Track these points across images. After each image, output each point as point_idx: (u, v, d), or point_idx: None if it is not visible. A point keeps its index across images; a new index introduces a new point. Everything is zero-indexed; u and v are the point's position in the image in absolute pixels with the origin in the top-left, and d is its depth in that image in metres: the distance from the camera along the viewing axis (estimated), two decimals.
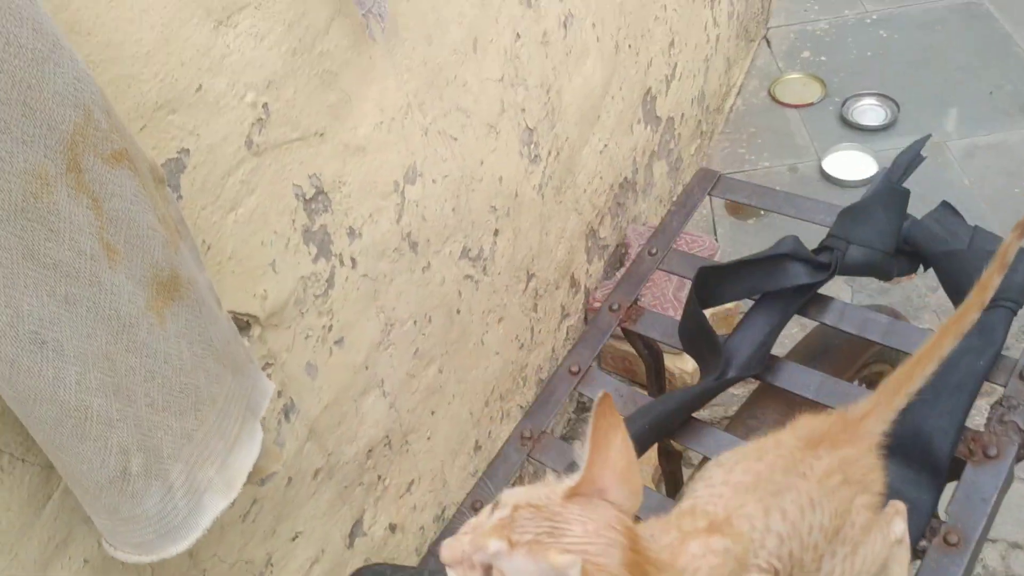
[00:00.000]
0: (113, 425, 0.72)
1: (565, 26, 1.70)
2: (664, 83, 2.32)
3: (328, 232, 1.14)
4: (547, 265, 1.83)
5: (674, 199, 1.30)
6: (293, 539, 1.16)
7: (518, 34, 1.54)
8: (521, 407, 1.85)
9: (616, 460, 0.63)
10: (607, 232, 2.13)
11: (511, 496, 0.62)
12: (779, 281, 1.05)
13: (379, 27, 1.11)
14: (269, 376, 1.07)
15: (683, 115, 2.52)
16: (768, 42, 3.21)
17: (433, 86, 1.32)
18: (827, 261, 1.06)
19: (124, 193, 0.69)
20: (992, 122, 2.76)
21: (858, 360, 1.16)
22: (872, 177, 2.67)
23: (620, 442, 0.64)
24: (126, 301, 0.71)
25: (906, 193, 1.07)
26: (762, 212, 2.70)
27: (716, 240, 2.31)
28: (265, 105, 1.00)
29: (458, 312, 1.50)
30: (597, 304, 2.05)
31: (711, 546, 0.68)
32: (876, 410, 0.84)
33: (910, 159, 1.09)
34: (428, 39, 1.29)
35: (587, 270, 2.06)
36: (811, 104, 2.95)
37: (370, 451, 1.31)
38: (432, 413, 1.48)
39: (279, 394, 1.09)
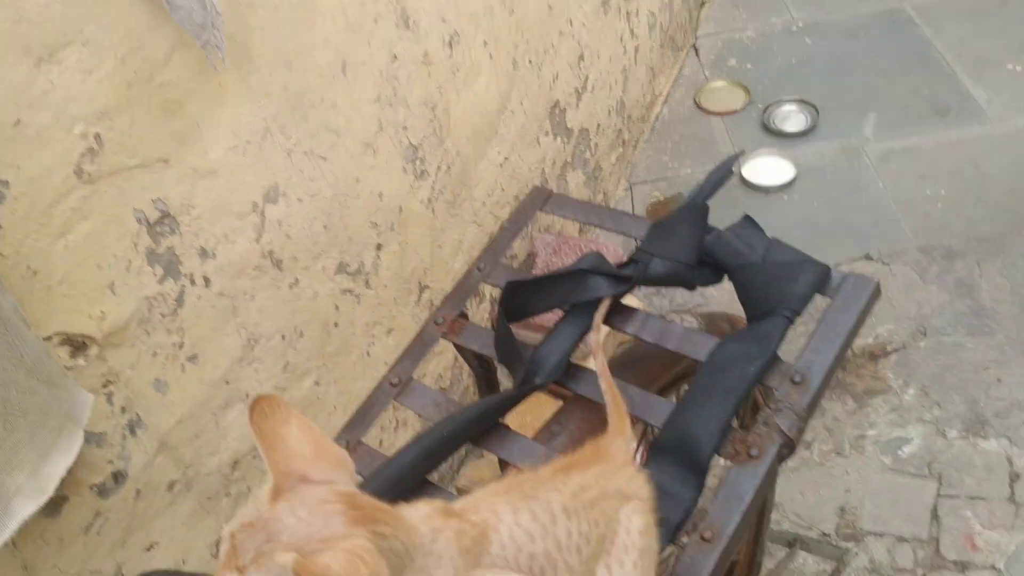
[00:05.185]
0: None
1: (450, 45, 1.75)
2: (575, 95, 2.38)
3: (176, 253, 1.19)
4: (443, 276, 1.88)
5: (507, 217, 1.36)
6: (148, 549, 1.21)
7: (395, 55, 1.59)
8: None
9: (298, 447, 0.67)
10: (515, 242, 2.18)
11: (227, 528, 0.65)
12: (583, 294, 1.10)
13: (218, 57, 1.16)
14: (111, 394, 1.11)
15: (599, 125, 2.57)
16: (696, 51, 3.27)
17: (296, 109, 1.36)
18: (629, 274, 1.11)
19: None
20: (908, 126, 2.82)
21: (674, 368, 1.21)
22: (790, 182, 2.74)
23: (296, 430, 0.67)
24: None
25: (706, 208, 1.12)
26: None
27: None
28: (97, 135, 1.05)
29: (336, 325, 1.55)
30: None
31: (445, 520, 0.72)
32: (620, 433, 0.91)
33: (720, 175, 1.15)
34: (288, 64, 1.33)
35: None
36: (735, 111, 3.01)
37: (236, 463, 1.35)
38: None
39: (123, 410, 1.13)
